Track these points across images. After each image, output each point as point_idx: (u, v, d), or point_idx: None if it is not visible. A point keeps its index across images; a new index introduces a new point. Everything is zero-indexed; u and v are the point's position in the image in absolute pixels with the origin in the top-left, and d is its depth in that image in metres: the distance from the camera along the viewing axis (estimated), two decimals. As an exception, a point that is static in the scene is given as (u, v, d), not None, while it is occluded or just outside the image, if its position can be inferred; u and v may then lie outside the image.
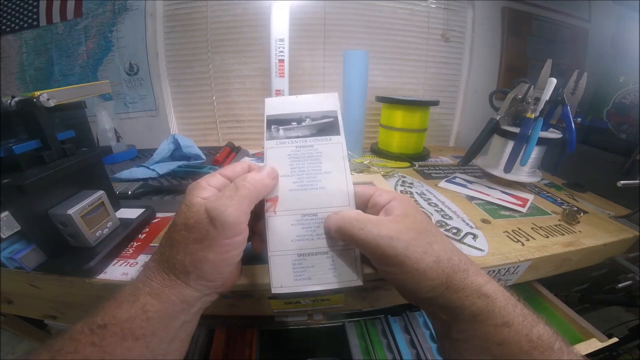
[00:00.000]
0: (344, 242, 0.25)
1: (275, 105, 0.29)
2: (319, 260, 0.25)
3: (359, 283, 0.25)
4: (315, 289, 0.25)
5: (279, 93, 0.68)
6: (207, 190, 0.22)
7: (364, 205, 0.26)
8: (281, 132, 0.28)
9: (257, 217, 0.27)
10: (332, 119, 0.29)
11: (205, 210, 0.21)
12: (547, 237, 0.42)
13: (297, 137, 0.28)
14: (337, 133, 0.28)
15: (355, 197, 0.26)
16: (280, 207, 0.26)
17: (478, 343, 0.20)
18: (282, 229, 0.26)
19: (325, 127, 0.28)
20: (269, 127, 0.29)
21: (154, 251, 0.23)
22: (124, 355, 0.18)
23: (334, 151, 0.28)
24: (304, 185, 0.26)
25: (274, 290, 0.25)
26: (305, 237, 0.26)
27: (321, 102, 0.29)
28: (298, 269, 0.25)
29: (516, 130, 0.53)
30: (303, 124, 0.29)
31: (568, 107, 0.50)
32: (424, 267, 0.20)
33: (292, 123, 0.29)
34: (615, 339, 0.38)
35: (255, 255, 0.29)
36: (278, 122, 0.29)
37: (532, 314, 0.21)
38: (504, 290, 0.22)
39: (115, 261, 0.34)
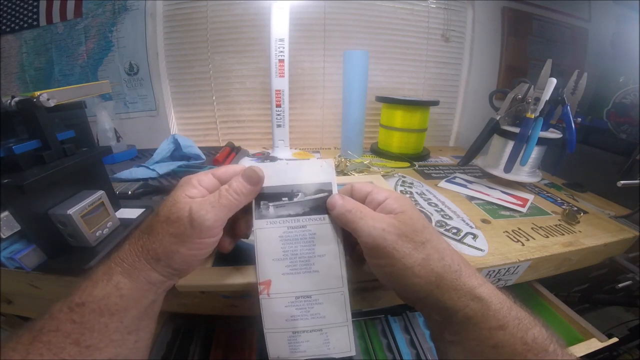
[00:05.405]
0: (341, 225, 0.25)
1: (264, 174, 0.26)
2: (314, 337, 0.26)
3: (352, 354, 0.26)
4: (310, 358, 0.26)
5: (279, 93, 0.68)
6: (196, 188, 0.24)
7: (362, 201, 0.26)
8: (271, 210, 0.26)
9: (237, 219, 0.27)
10: (326, 194, 0.26)
11: (189, 210, 0.22)
12: (547, 237, 0.42)
13: (289, 215, 0.26)
14: None
15: (354, 194, 0.27)
16: (274, 290, 0.26)
17: (472, 345, 0.20)
18: (276, 310, 0.26)
19: (319, 203, 0.26)
20: (257, 203, 0.26)
21: (132, 234, 0.24)
22: (102, 330, 0.20)
23: (328, 232, 0.26)
24: (297, 269, 0.26)
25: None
26: (299, 316, 0.26)
27: (315, 172, 0.27)
28: (293, 343, 0.26)
29: (516, 130, 0.53)
30: (295, 199, 0.26)
31: (568, 107, 0.50)
32: (411, 262, 0.21)
33: (283, 198, 0.26)
34: (615, 339, 0.38)
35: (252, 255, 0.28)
36: (267, 196, 0.26)
37: (528, 317, 0.21)
38: (499, 292, 0.22)
39: (115, 261, 0.34)
